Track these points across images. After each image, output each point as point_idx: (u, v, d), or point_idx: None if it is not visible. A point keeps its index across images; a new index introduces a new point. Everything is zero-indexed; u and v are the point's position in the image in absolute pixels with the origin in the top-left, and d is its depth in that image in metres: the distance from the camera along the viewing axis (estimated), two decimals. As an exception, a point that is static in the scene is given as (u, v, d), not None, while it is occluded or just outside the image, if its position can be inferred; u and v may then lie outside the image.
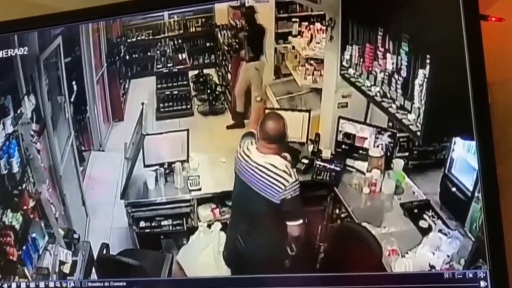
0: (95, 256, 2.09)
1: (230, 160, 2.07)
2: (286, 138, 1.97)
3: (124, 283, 1.97)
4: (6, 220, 2.11)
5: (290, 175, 1.92)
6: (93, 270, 2.09)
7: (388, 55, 1.82)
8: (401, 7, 1.75)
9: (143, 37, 2.28)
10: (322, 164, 2.02)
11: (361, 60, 1.92)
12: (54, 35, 2.14)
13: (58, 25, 2.12)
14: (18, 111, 2.12)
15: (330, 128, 2.05)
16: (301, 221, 1.92)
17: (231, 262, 2.01)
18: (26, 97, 2.13)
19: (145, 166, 2.21)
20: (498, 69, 1.74)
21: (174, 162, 2.21)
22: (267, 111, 2.11)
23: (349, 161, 2.01)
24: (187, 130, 2.11)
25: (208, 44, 2.35)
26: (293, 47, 2.20)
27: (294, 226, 1.93)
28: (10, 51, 2.12)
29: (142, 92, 2.33)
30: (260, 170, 1.95)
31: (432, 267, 1.68)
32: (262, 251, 1.98)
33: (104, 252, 2.08)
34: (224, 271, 2.02)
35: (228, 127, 2.18)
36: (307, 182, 2.00)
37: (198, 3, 2.04)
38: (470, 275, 1.62)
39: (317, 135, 2.07)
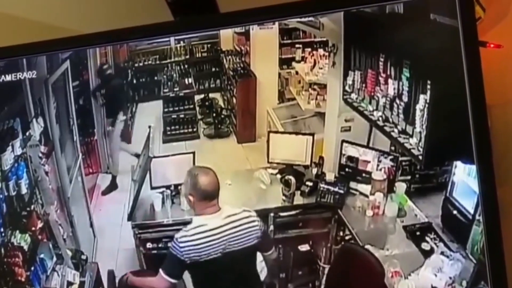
0: (103, 277, 2.10)
1: (236, 182, 2.09)
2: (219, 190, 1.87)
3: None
4: (15, 241, 2.10)
5: (250, 211, 1.89)
6: (101, 291, 2.11)
7: (390, 81, 1.86)
8: (401, 34, 1.77)
9: (150, 62, 2.32)
10: (326, 187, 2.05)
11: (363, 85, 1.96)
12: (62, 59, 2.15)
13: (66, 49, 2.13)
14: (27, 134, 2.12)
15: (333, 152, 2.08)
16: (274, 248, 1.94)
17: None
18: (34, 120, 2.13)
19: (152, 188, 2.23)
20: (497, 92, 1.76)
21: (180, 184, 2.17)
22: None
23: (352, 184, 2.04)
24: (193, 153, 2.13)
25: (213, 69, 2.39)
26: (297, 72, 2.24)
27: (272, 252, 1.94)
28: (19, 74, 2.11)
29: (149, 115, 2.36)
30: (232, 228, 1.85)
31: (434, 288, 1.70)
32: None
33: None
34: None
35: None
36: (311, 205, 2.04)
37: (203, 29, 2.06)
38: (472, 297, 1.64)
39: (321, 158, 2.10)
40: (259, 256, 1.93)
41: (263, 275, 1.96)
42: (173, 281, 1.86)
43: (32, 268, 2.11)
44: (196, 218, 1.88)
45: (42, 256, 2.13)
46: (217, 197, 1.88)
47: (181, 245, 1.83)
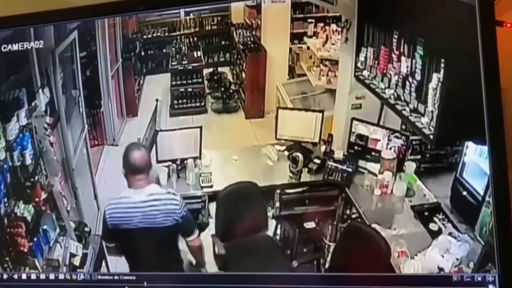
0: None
1: (242, 157, 2.10)
2: (151, 166, 1.98)
3: (134, 277, 1.97)
4: (18, 212, 2.11)
5: (175, 194, 1.98)
6: (103, 263, 2.11)
7: (403, 58, 1.83)
8: (416, 11, 1.75)
9: (158, 34, 2.31)
10: (334, 164, 2.03)
11: (376, 62, 1.94)
12: (70, 30, 2.14)
13: (74, 20, 2.11)
14: (33, 104, 2.11)
15: (343, 129, 2.07)
16: (197, 232, 1.98)
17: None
18: (40, 90, 2.12)
19: (158, 161, 2.22)
20: (511, 74, 1.74)
21: (186, 159, 2.22)
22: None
23: (361, 163, 2.02)
24: (200, 127, 2.12)
25: (223, 43, 2.38)
26: (308, 48, 2.22)
27: (194, 239, 1.98)
28: (26, 44, 2.10)
29: (156, 88, 2.36)
30: (149, 206, 1.94)
31: (441, 269, 1.69)
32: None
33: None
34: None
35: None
36: (318, 182, 2.03)
37: (214, 1, 2.04)
38: (479, 279, 1.63)
39: (330, 135, 2.09)
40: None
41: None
42: (108, 244, 2.04)
43: (35, 239, 2.12)
44: (126, 190, 1.97)
45: (45, 227, 2.14)
46: (144, 173, 1.95)
47: (107, 213, 1.97)
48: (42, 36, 2.11)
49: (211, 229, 2.10)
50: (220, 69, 2.42)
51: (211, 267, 2.00)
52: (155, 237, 1.94)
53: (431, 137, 1.81)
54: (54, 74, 2.15)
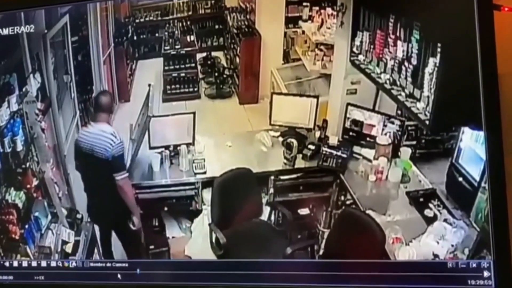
0: (97, 237, 2.12)
1: (236, 144, 2.08)
2: (113, 108, 2.20)
3: (126, 264, 1.97)
4: (9, 198, 2.11)
5: (115, 137, 2.13)
6: (95, 250, 2.11)
7: (399, 43, 1.81)
8: (413, -5, 1.73)
9: (151, 18, 2.30)
10: (329, 150, 2.02)
11: (372, 46, 1.92)
12: (61, 14, 2.12)
13: (66, 4, 2.09)
14: (23, 89, 2.10)
15: (338, 115, 2.05)
16: (126, 174, 2.11)
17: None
18: (31, 75, 2.11)
19: (151, 148, 2.22)
20: (508, 60, 1.72)
21: (179, 145, 2.20)
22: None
23: (356, 148, 2.01)
24: (194, 113, 2.11)
25: (217, 27, 2.36)
26: (303, 32, 2.19)
27: (120, 179, 2.10)
28: (16, 28, 2.08)
29: (149, 73, 2.33)
30: (95, 136, 2.15)
31: (436, 256, 1.68)
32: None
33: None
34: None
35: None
36: (313, 168, 2.02)
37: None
38: (474, 265, 1.63)
39: (325, 121, 2.07)
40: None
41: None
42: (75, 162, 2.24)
43: (27, 226, 2.12)
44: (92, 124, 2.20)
45: (36, 214, 2.14)
46: (105, 113, 2.14)
47: (77, 136, 2.20)
48: (33, 20, 2.09)
49: (204, 215, 2.09)
50: (213, 53, 2.40)
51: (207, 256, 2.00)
52: (96, 164, 2.15)
53: (427, 122, 1.79)
54: (45, 59, 2.13)
